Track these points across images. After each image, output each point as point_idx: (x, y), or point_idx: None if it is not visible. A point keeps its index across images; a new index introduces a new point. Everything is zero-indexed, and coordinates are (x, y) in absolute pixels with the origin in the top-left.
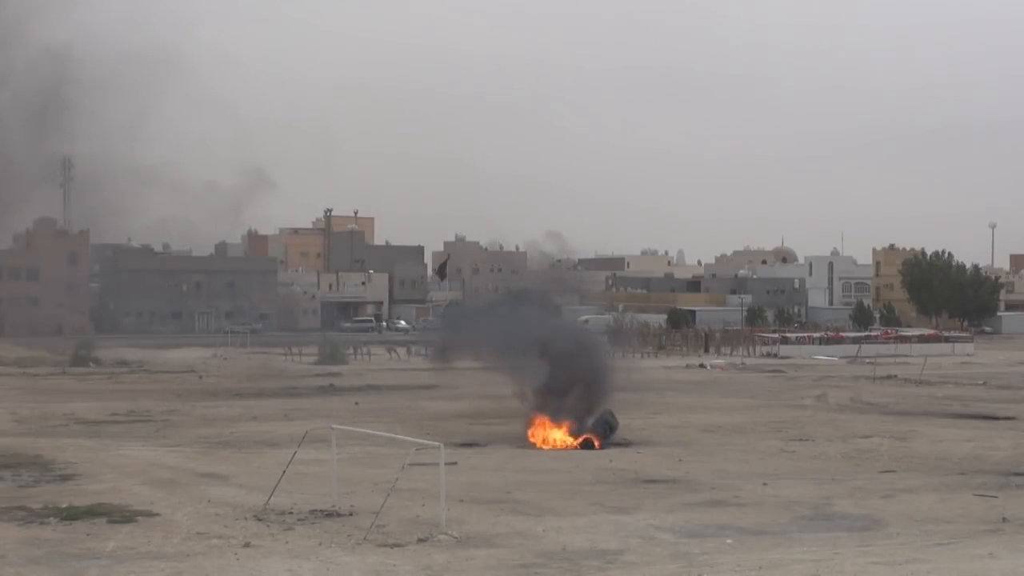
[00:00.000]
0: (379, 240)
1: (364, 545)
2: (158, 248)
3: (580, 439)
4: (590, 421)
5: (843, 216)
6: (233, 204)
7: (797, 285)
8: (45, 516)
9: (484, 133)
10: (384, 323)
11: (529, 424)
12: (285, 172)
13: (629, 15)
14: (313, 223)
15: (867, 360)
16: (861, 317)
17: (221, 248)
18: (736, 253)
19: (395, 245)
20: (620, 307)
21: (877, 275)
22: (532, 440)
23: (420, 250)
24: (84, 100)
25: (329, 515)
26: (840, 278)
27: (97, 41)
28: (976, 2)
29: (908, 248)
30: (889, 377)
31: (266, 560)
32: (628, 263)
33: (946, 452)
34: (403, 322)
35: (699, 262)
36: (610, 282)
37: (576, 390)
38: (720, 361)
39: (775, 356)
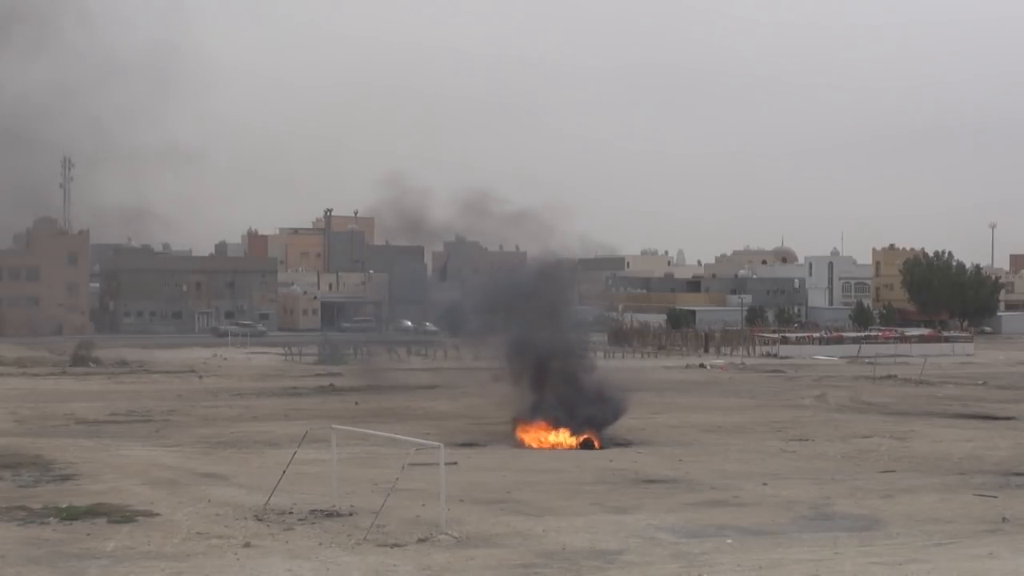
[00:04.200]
0: (379, 240)
1: (364, 545)
2: (158, 248)
3: (580, 439)
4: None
5: (843, 216)
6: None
7: (797, 285)
8: (45, 516)
9: (483, 133)
10: (387, 322)
11: (518, 426)
12: (285, 172)
13: (628, 14)
14: (313, 223)
15: (867, 360)
16: (861, 317)
17: (221, 248)
18: (736, 253)
19: (395, 245)
20: (620, 307)
21: (877, 275)
22: (522, 440)
23: (420, 250)
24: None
25: (329, 515)
26: (840, 278)
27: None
28: (977, 1)
29: (908, 248)
30: (889, 377)
31: (266, 560)
32: (628, 263)
33: (946, 452)
34: (408, 323)
35: (699, 262)
36: (610, 282)
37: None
38: (720, 361)
39: (775, 356)
